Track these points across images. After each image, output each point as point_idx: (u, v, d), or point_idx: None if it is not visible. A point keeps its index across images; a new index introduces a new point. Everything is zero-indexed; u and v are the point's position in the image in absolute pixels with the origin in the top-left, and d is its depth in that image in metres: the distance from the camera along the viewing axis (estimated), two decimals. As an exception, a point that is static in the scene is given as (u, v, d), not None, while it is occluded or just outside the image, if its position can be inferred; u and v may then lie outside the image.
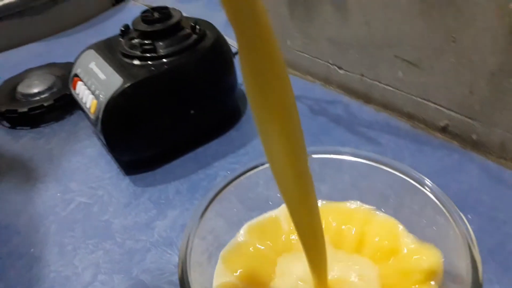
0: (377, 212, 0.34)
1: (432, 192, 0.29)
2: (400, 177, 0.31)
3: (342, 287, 0.29)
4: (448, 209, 0.27)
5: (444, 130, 0.47)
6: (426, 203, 0.29)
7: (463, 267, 0.24)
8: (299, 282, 0.30)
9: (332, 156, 0.35)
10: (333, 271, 0.30)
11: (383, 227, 0.33)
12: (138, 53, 0.47)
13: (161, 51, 0.47)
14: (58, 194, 0.48)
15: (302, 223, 0.26)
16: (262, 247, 0.33)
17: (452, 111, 0.45)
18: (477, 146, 0.45)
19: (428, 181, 0.29)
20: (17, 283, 0.39)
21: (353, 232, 0.33)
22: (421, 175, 0.30)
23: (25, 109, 0.59)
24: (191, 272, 0.28)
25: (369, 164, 0.33)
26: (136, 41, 0.49)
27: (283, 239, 0.33)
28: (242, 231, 0.34)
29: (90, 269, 0.39)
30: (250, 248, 0.33)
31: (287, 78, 0.21)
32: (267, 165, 0.35)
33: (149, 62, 0.47)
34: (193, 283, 0.28)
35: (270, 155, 0.23)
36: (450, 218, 0.27)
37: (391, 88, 0.50)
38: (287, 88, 0.21)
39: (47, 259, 0.40)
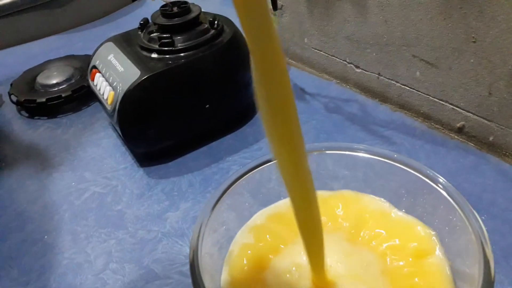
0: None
1: (445, 189, 0.28)
2: (414, 174, 0.31)
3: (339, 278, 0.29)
4: (461, 206, 0.27)
5: (460, 131, 0.46)
6: (439, 201, 0.29)
7: (476, 266, 0.24)
8: (293, 268, 0.30)
9: (345, 153, 0.35)
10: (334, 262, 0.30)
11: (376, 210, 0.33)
12: (156, 46, 0.48)
13: (179, 45, 0.47)
14: (73, 183, 0.48)
15: (299, 210, 0.26)
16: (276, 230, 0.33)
17: (470, 112, 0.45)
18: (494, 147, 0.44)
19: (441, 179, 0.29)
20: (30, 269, 0.39)
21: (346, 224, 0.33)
22: (434, 173, 0.30)
23: (43, 100, 0.60)
24: (201, 262, 0.28)
25: (383, 161, 0.33)
26: (154, 34, 0.49)
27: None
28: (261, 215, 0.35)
29: (102, 257, 0.39)
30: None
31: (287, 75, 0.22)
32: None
33: (167, 56, 0.47)
34: (204, 272, 0.28)
35: (271, 143, 0.24)
36: (463, 215, 0.26)
37: (408, 88, 0.50)
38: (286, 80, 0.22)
39: (60, 246, 0.41)
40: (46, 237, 0.42)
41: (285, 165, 0.24)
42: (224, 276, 0.31)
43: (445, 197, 0.28)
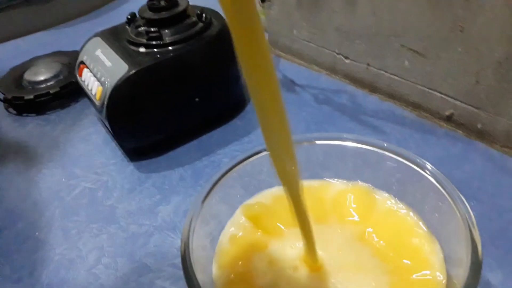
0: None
1: (433, 176, 0.29)
2: (403, 162, 0.31)
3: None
4: (449, 192, 0.27)
5: (449, 119, 0.47)
6: (428, 188, 0.29)
7: (464, 249, 0.24)
8: (282, 256, 0.31)
9: (335, 143, 0.36)
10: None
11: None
12: (144, 40, 0.47)
13: (167, 39, 0.47)
14: (63, 180, 0.48)
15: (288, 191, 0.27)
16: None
17: (458, 100, 0.45)
18: (482, 135, 0.44)
19: (429, 165, 0.29)
20: (22, 266, 0.39)
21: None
22: (422, 160, 0.30)
23: (31, 96, 0.59)
24: (193, 255, 0.28)
25: (372, 150, 0.33)
26: (142, 28, 0.49)
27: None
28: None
29: (94, 252, 0.39)
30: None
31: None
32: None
33: (155, 50, 0.47)
34: (196, 264, 0.28)
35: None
36: (450, 201, 0.27)
37: (397, 78, 0.50)
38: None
39: (51, 242, 0.41)
40: (37, 233, 0.42)
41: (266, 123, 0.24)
42: (215, 267, 0.31)
43: (433, 183, 0.29)
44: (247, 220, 0.34)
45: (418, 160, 0.31)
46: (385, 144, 0.33)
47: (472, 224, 0.25)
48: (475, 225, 0.25)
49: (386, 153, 0.32)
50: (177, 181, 0.45)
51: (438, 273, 0.28)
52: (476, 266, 0.23)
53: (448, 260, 0.29)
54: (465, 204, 0.26)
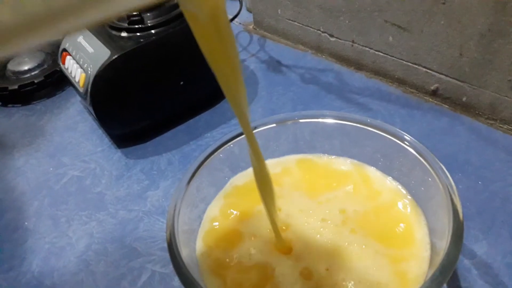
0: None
1: (411, 146, 0.29)
2: (385, 136, 0.31)
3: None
4: (428, 160, 0.27)
5: (434, 93, 0.47)
6: (409, 159, 0.29)
7: (446, 219, 0.25)
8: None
9: (319, 120, 0.36)
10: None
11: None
12: (125, 25, 0.47)
13: (149, 22, 0.47)
14: (51, 169, 0.48)
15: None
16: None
17: (442, 74, 0.45)
18: (467, 108, 0.45)
19: (407, 136, 0.30)
20: (13, 256, 0.39)
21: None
22: (401, 132, 0.30)
23: (15, 87, 0.59)
24: (180, 238, 0.29)
25: (356, 127, 0.33)
26: (123, 13, 0.48)
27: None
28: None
29: (84, 239, 0.39)
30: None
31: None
32: (256, 131, 0.35)
33: (137, 34, 0.46)
34: (182, 247, 0.28)
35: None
36: (430, 169, 0.27)
37: (382, 54, 0.50)
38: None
39: (41, 231, 0.41)
40: (26, 223, 0.42)
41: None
42: (198, 246, 0.32)
43: (411, 153, 0.29)
44: (229, 202, 0.34)
45: (398, 133, 0.31)
46: (368, 120, 0.33)
47: (452, 189, 0.25)
48: (455, 190, 0.25)
49: (368, 128, 0.32)
50: (165, 166, 0.45)
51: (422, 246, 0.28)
52: (457, 232, 0.23)
53: (433, 232, 0.29)
54: (444, 172, 0.26)
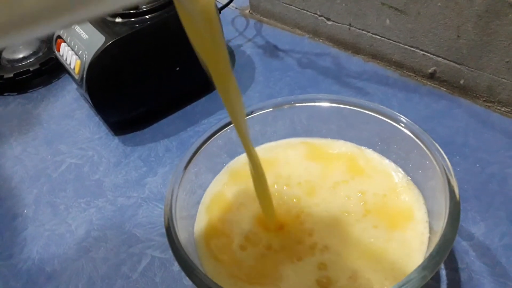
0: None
1: (408, 128, 0.29)
2: (382, 119, 0.31)
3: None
4: (425, 142, 0.27)
5: (432, 76, 0.47)
6: (406, 141, 0.29)
7: (443, 202, 0.25)
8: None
9: (315, 104, 0.36)
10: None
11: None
12: (120, 10, 0.46)
13: (143, 7, 0.46)
14: (49, 157, 0.48)
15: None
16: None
17: (440, 57, 0.45)
18: (465, 90, 0.44)
19: (403, 118, 0.30)
20: (13, 243, 0.39)
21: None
22: (396, 113, 0.30)
23: (11, 75, 0.58)
24: (177, 224, 0.29)
25: (350, 109, 0.33)
26: (117, -2, 0.48)
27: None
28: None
29: (83, 226, 0.39)
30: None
31: None
32: (252, 116, 0.35)
33: (132, 19, 0.46)
34: (180, 232, 0.28)
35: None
36: (427, 151, 0.27)
37: (379, 37, 0.50)
38: None
39: (40, 219, 0.41)
40: (25, 211, 0.42)
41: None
42: (196, 230, 0.32)
43: (408, 135, 0.29)
44: (229, 182, 0.35)
45: (394, 115, 0.31)
46: (365, 103, 0.33)
47: (448, 170, 0.25)
48: (452, 171, 0.25)
49: (365, 111, 0.32)
50: (163, 153, 0.45)
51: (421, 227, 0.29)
52: (454, 212, 0.23)
53: (431, 214, 0.30)
54: (441, 153, 0.27)
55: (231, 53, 0.58)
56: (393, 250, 0.28)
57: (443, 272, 0.31)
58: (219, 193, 0.34)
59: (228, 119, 0.35)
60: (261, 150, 0.36)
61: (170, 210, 0.29)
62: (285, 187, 0.34)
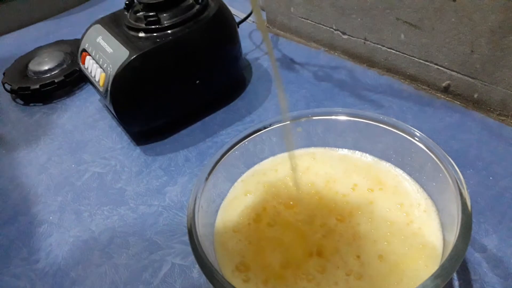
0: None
1: (422, 142, 0.30)
2: (396, 133, 0.32)
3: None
4: (436, 153, 0.28)
5: (446, 90, 0.48)
6: (420, 154, 0.30)
7: (455, 214, 0.26)
8: None
9: (332, 118, 0.37)
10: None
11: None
12: (143, 25, 0.48)
13: (165, 23, 0.48)
14: (73, 166, 0.50)
15: None
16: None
17: (454, 71, 0.46)
18: (478, 104, 0.45)
19: (418, 132, 0.31)
20: (39, 249, 0.41)
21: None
22: (410, 127, 0.31)
23: (37, 86, 0.61)
24: (200, 230, 0.30)
25: (366, 123, 0.34)
26: (140, 13, 0.50)
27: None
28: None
29: (106, 233, 0.41)
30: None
31: None
32: (270, 128, 0.37)
33: (154, 34, 0.48)
34: (201, 236, 0.30)
35: None
36: (440, 164, 0.28)
37: (394, 51, 0.51)
38: None
39: (65, 225, 0.43)
40: (51, 217, 0.44)
41: None
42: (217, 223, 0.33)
43: (422, 149, 0.30)
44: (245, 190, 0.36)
45: (409, 129, 0.32)
46: (380, 117, 0.34)
47: (460, 182, 0.26)
48: (464, 183, 0.26)
49: (380, 124, 0.33)
50: (182, 163, 0.47)
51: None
52: (466, 224, 0.24)
53: (444, 226, 0.30)
54: (453, 166, 0.27)
55: (248, 66, 0.59)
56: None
57: (456, 283, 0.32)
58: (235, 199, 0.35)
59: (246, 132, 0.36)
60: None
61: (193, 217, 0.30)
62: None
